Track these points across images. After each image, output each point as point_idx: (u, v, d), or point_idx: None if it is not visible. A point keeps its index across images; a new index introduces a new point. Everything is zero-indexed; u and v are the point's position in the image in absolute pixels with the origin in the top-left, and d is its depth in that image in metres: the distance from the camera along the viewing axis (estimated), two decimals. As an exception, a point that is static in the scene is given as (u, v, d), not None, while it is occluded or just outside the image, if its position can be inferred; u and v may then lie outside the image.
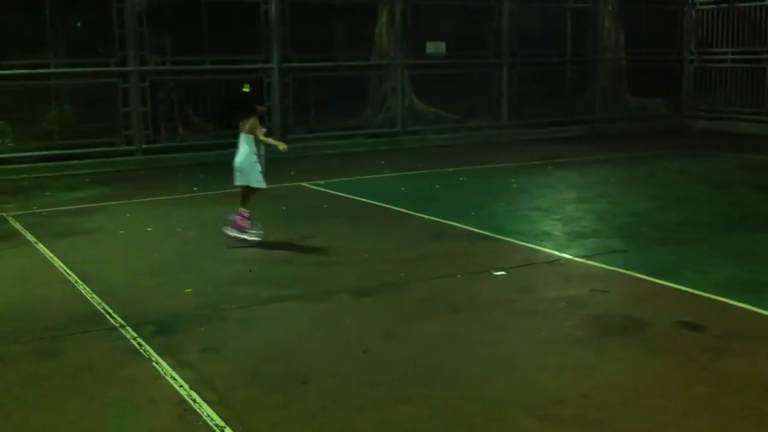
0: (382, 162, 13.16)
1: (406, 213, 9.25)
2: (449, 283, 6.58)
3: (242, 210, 7.79)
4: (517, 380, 4.70)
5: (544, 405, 4.34)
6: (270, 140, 7.99)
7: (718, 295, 6.08)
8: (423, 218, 8.96)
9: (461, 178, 11.74)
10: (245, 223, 7.78)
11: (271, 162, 12.82)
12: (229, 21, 13.91)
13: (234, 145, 7.79)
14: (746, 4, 17.00)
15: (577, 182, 11.34)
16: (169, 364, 4.89)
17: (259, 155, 7.70)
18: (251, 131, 7.65)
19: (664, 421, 4.14)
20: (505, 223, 8.68)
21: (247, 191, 7.81)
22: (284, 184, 10.90)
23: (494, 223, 8.56)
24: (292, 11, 14.28)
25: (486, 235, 8.11)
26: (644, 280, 6.58)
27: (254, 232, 7.80)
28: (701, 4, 18.00)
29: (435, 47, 16.15)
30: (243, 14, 14.12)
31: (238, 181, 7.75)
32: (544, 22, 16.77)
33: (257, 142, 7.70)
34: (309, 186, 11.03)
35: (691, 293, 6.19)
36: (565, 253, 7.38)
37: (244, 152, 7.64)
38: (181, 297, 6.29)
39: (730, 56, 17.25)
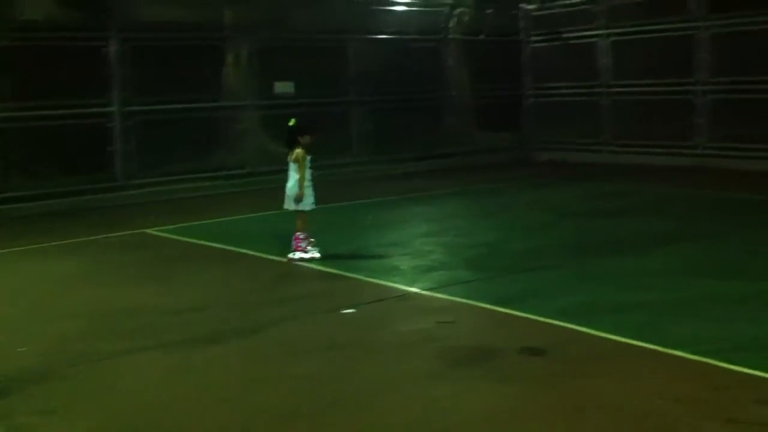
0: (234, 204, 12.94)
1: (256, 256, 9.10)
2: (301, 325, 6.48)
3: (298, 234, 8.67)
4: (370, 417, 4.64)
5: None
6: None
7: (563, 320, 6.26)
8: (273, 260, 8.83)
9: (316, 217, 11.64)
10: (304, 244, 8.64)
11: (117, 209, 12.51)
12: (69, 65, 13.36)
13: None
14: (577, 41, 17.97)
15: (428, 216, 11.53)
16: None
17: (309, 181, 8.65)
18: (296, 160, 8.51)
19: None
20: (355, 260, 8.68)
21: (300, 215, 8.65)
22: (129, 232, 10.52)
23: (345, 261, 8.55)
24: (134, 54, 13.89)
25: (336, 274, 8.09)
26: (491, 309, 6.71)
27: (312, 249, 8.66)
28: (535, 41, 18.88)
29: (283, 87, 16.12)
30: (83, 58, 13.59)
31: (286, 205, 8.73)
32: (392, 61, 17.09)
33: (308, 169, 8.60)
34: (155, 233, 10.65)
35: (537, 320, 6.36)
36: (414, 287, 7.45)
37: (293, 179, 8.59)
38: (15, 357, 5.87)
39: (564, 90, 18.14)
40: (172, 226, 10.92)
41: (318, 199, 8.84)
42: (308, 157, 8.68)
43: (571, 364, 5.39)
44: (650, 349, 5.60)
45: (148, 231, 10.72)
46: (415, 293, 7.28)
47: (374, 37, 16.93)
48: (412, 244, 9.46)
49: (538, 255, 8.75)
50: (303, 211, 8.72)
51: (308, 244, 8.72)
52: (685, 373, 5.23)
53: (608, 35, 17.36)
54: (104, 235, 10.40)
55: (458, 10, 18.20)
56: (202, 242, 9.94)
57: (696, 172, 15.07)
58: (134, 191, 13.65)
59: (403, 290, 7.39)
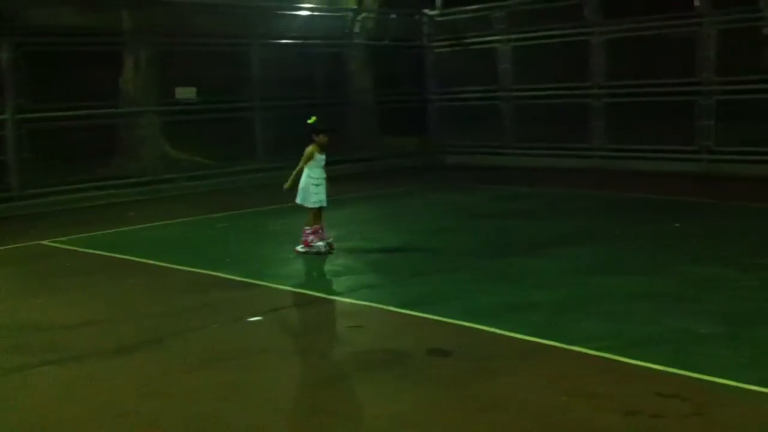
0: (133, 213, 12.59)
1: (158, 266, 8.85)
2: (206, 335, 6.34)
3: (305, 228, 8.97)
4: (284, 423, 4.58)
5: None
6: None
7: (469, 321, 6.32)
8: (177, 269, 8.62)
9: (217, 225, 11.50)
10: (310, 238, 8.87)
11: (7, 220, 12.00)
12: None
13: None
14: (478, 46, 18.27)
15: (334, 221, 11.42)
16: None
17: (315, 179, 8.90)
18: (307, 158, 8.83)
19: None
20: (261, 267, 8.55)
21: (313, 211, 8.97)
22: (23, 244, 10.13)
23: (250, 269, 8.41)
24: (28, 60, 13.36)
25: (242, 282, 7.95)
26: (398, 312, 6.72)
27: (320, 243, 8.86)
28: (438, 46, 19.10)
29: (185, 93, 15.83)
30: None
31: (297, 200, 9.06)
32: (296, 66, 16.99)
33: (317, 167, 8.89)
34: (50, 244, 10.25)
35: (444, 321, 6.40)
36: (321, 292, 7.40)
37: (305, 176, 8.92)
38: None
39: (468, 94, 18.41)
40: (70, 237, 10.52)
41: (327, 198, 9.09)
42: (321, 156, 8.97)
43: (478, 364, 5.44)
44: (553, 347, 5.71)
45: (45, 243, 10.31)
46: (323, 298, 7.23)
47: (277, 42, 16.80)
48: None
49: (444, 257, 8.83)
50: (310, 208, 8.98)
51: (316, 239, 8.90)
52: (588, 368, 5.34)
53: (508, 40, 17.71)
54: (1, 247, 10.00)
55: (362, 16, 18.25)
56: (103, 253, 9.62)
57: (595, 174, 15.53)
58: (30, 201, 13.13)
59: (311, 296, 7.33)
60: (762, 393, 4.81)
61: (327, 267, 8.46)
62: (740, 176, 14.23)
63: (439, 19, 19.06)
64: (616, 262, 8.33)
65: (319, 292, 7.42)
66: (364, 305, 6.96)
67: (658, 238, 9.56)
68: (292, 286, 7.70)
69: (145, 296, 7.63)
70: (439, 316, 6.51)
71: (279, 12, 17.02)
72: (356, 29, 18.10)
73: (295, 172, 9.00)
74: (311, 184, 8.94)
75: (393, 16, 18.80)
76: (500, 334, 6.04)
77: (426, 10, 19.12)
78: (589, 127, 16.56)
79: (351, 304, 7.04)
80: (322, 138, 9.01)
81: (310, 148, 8.97)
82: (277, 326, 6.50)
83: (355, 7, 18.27)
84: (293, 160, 16.39)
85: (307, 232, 9.00)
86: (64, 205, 13.23)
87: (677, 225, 10.18)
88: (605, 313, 6.48)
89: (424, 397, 4.93)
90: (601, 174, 15.49)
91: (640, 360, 5.35)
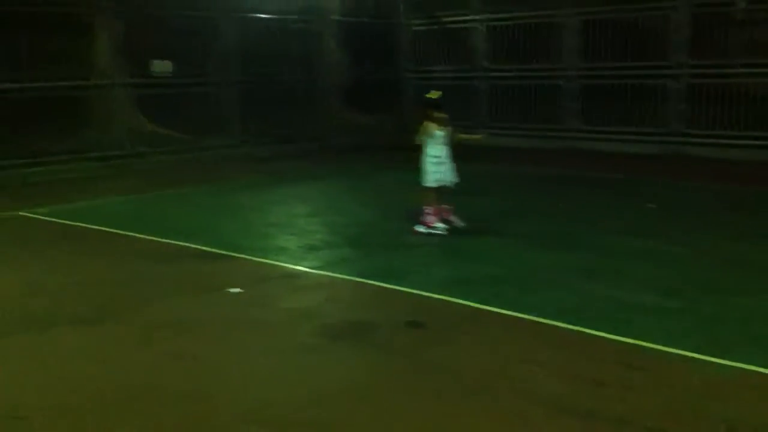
0: (109, 186, 12.60)
1: (135, 237, 8.92)
2: (183, 304, 6.46)
3: (424, 208, 8.67)
4: (242, 391, 4.75)
5: (261, 410, 4.44)
6: (467, 136, 9.01)
7: (437, 293, 6.52)
8: (153, 240, 8.71)
9: (193, 199, 11.57)
10: (429, 218, 8.63)
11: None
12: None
13: None
14: (455, 25, 18.38)
15: (309, 197, 11.61)
16: None
17: (434, 157, 8.52)
18: (422, 134, 8.52)
19: (388, 416, 4.37)
20: (240, 240, 8.65)
21: (433, 189, 8.62)
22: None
23: (229, 242, 8.51)
24: (-1, 27, 13.23)
25: (221, 254, 8.05)
26: (373, 284, 6.90)
27: (440, 225, 8.59)
28: (415, 25, 19.18)
29: (161, 66, 15.77)
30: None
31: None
32: (270, 41, 16.98)
33: (436, 144, 8.54)
34: (28, 215, 10.27)
35: (415, 293, 6.59)
36: (300, 265, 7.54)
37: (424, 154, 8.65)
38: None
39: (443, 74, 18.51)
40: (46, 208, 10.54)
41: (450, 178, 8.72)
42: (440, 132, 8.60)
43: (448, 335, 5.64)
44: (505, 315, 6.01)
45: (22, 213, 10.34)
46: (302, 272, 7.37)
47: (251, 15, 16.76)
48: (296, 224, 9.53)
49: (408, 233, 8.93)
50: (428, 186, 8.69)
51: (436, 219, 8.67)
52: (537, 336, 5.59)
53: (484, 20, 17.83)
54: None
55: (339, -9, 18.26)
56: (71, 223, 9.68)
57: (564, 154, 15.79)
58: (3, 172, 13.07)
59: (291, 269, 7.47)
60: (698, 359, 5.08)
61: (305, 241, 8.58)
62: (709, 158, 14.56)
63: (415, -4, 19.12)
64: (557, 237, 8.64)
65: (298, 265, 7.55)
66: (341, 278, 7.14)
67: (603, 213, 9.98)
68: (272, 259, 7.81)
69: (121, 267, 7.71)
70: (410, 288, 6.70)
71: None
72: (332, 5, 18.10)
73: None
74: (430, 162, 8.63)
75: (370, -8, 18.82)
76: (466, 305, 6.24)
77: (402, -12, 19.17)
78: (562, 108, 16.77)
79: (329, 276, 7.20)
80: (436, 114, 8.62)
81: (425, 124, 8.61)
82: (255, 298, 6.62)
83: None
84: (267, 136, 16.76)
85: (427, 212, 8.73)
86: (39, 177, 13.18)
87: (652, 206, 10.41)
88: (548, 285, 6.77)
89: (378, 364, 5.15)
90: (571, 154, 15.75)
91: (583, 327, 5.66)
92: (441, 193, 8.79)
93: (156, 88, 15.49)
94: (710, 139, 14.94)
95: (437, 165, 8.63)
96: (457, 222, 8.83)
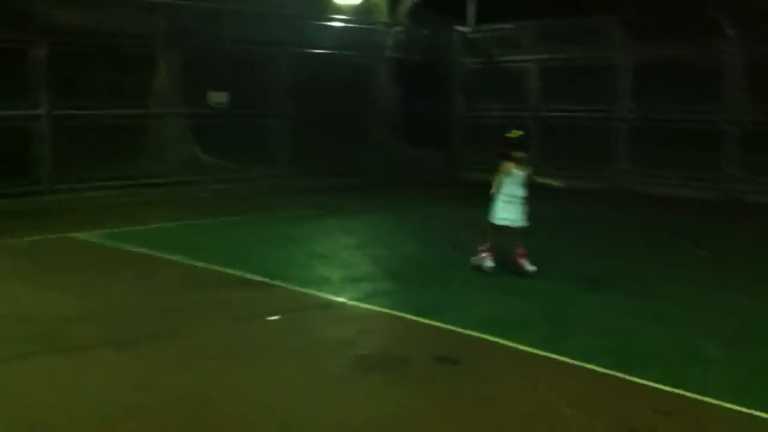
0: (157, 212, 12.81)
1: (181, 262, 9.06)
2: (220, 330, 6.52)
3: (481, 242, 8.65)
4: (277, 421, 4.73)
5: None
6: (546, 180, 8.67)
7: (476, 330, 6.45)
8: (199, 267, 8.83)
9: (240, 227, 11.72)
10: (482, 254, 8.59)
11: (35, 213, 12.28)
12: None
13: None
14: (507, 64, 18.43)
15: (354, 229, 11.66)
16: None
17: (508, 196, 8.44)
18: (500, 173, 8.47)
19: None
20: (281, 269, 8.71)
21: (494, 227, 8.57)
22: (51, 236, 10.41)
23: (270, 270, 8.57)
24: (61, 58, 13.66)
25: (262, 282, 8.12)
26: (409, 319, 6.88)
27: (489, 264, 8.54)
28: (469, 63, 19.27)
29: (217, 97, 16.12)
30: (8, 60, 13.36)
31: None
32: (324, 76, 17.23)
33: (512, 184, 8.46)
34: (79, 236, 10.51)
35: (452, 330, 6.54)
36: (339, 296, 7.56)
37: (496, 193, 8.52)
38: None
39: (495, 112, 18.54)
40: (98, 232, 10.78)
41: (518, 219, 8.51)
42: (519, 173, 8.45)
43: (480, 372, 5.59)
44: (544, 356, 5.89)
45: (69, 235, 10.58)
46: (341, 303, 7.39)
47: (308, 51, 17.03)
48: (339, 256, 9.58)
49: (455, 269, 8.89)
50: (491, 223, 8.60)
51: (488, 257, 8.57)
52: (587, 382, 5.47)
53: (537, 60, 17.84)
54: (26, 239, 10.28)
55: (394, 29, 18.48)
56: (124, 247, 9.86)
57: (616, 196, 15.63)
58: (59, 196, 13.43)
59: (330, 299, 7.49)
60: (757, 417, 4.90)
61: (346, 272, 8.61)
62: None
63: (470, 36, 19.23)
64: (618, 281, 8.48)
65: (338, 296, 7.57)
66: (379, 311, 7.11)
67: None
68: (312, 289, 7.83)
69: (163, 291, 7.83)
70: (449, 324, 6.64)
71: (312, 22, 17.26)
72: (388, 42, 18.32)
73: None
74: (502, 200, 8.49)
75: (425, 31, 18.97)
76: (504, 345, 6.17)
77: (458, 27, 19.30)
78: (613, 148, 16.62)
79: (367, 309, 7.17)
80: (516, 154, 8.49)
81: (504, 164, 8.49)
82: (293, 326, 6.67)
83: (388, 20, 18.49)
84: (318, 169, 16.92)
85: (481, 248, 8.66)
86: (92, 202, 13.49)
87: (702, 252, 10.24)
88: (605, 330, 6.62)
89: (420, 402, 5.08)
90: (620, 195, 15.58)
91: (639, 378, 5.47)
92: (503, 233, 8.58)
93: (210, 118, 15.81)
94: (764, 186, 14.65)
95: (508, 204, 8.49)
96: (527, 266, 8.50)
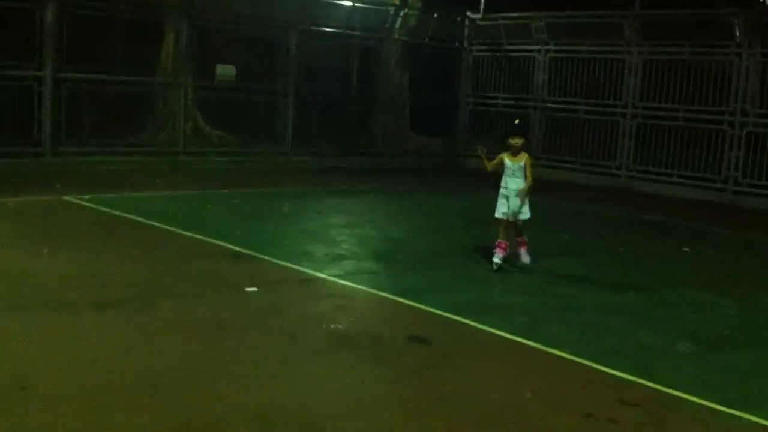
0: (158, 181, 12.87)
1: (170, 231, 9.13)
2: (198, 299, 6.58)
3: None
4: (245, 390, 4.80)
5: (266, 410, 4.47)
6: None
7: (452, 314, 6.50)
8: (187, 236, 8.89)
9: (234, 201, 11.77)
10: (495, 251, 8.19)
11: (36, 174, 12.36)
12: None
13: None
14: (516, 54, 18.37)
15: (348, 209, 11.72)
16: None
17: (505, 189, 8.12)
18: (495, 164, 8.24)
19: (382, 429, 4.39)
20: (268, 243, 8.78)
21: (497, 222, 8.22)
22: (45, 198, 10.48)
23: (257, 243, 8.63)
24: (70, 21, 13.70)
25: (247, 254, 8.19)
26: (389, 299, 6.93)
27: (495, 259, 8.13)
28: (477, 50, 19.23)
29: (225, 71, 16.12)
30: (16, 20, 13.40)
31: None
32: (332, 56, 17.23)
33: (505, 175, 8.17)
34: (73, 200, 10.60)
35: (429, 311, 6.59)
36: (320, 272, 7.61)
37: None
38: None
39: (500, 101, 18.51)
40: (92, 196, 10.84)
41: (512, 211, 8.09)
42: (510, 163, 8.14)
43: (450, 354, 5.63)
44: (526, 345, 5.91)
45: (67, 198, 10.65)
46: (321, 278, 7.45)
47: (316, 29, 17.01)
48: (327, 234, 9.63)
49: (441, 255, 8.99)
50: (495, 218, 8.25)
51: (499, 253, 8.14)
52: (555, 369, 5.52)
53: (546, 51, 17.79)
54: (22, 199, 10.35)
55: (404, 12, 18.42)
56: (119, 213, 9.93)
57: (615, 193, 15.61)
58: (60, 159, 13.49)
59: (310, 274, 7.55)
60: (723, 412, 4.93)
61: (331, 250, 8.67)
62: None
63: (480, 23, 19.16)
64: (602, 274, 8.54)
65: (319, 272, 7.62)
66: (359, 289, 7.17)
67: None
68: (294, 263, 7.89)
69: (150, 258, 7.91)
70: (426, 306, 6.69)
71: (322, 1, 17.24)
72: (397, 25, 18.28)
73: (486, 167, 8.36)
74: (500, 194, 8.19)
75: (435, 15, 18.90)
76: (480, 329, 6.22)
77: (469, 13, 19.23)
78: (617, 145, 16.58)
79: (347, 286, 7.24)
80: (512, 140, 8.16)
81: (500, 156, 8.24)
82: (269, 299, 6.72)
83: (398, 3, 18.44)
84: (321, 148, 16.93)
85: (497, 243, 8.23)
86: (92, 167, 13.55)
87: (686, 249, 10.27)
88: (574, 322, 6.66)
89: (385, 379, 5.14)
90: (621, 193, 15.57)
91: (607, 366, 5.52)
92: (509, 225, 8.23)
93: (217, 92, 15.83)
94: (764, 189, 14.60)
95: (501, 197, 8.17)
96: (523, 257, 8.29)
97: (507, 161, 8.19)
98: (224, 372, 5.04)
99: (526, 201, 8.16)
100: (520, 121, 8.90)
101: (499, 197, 8.21)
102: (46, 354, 5.15)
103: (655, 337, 6.36)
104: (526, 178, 8.11)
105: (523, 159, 8.16)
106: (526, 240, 8.39)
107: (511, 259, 8.32)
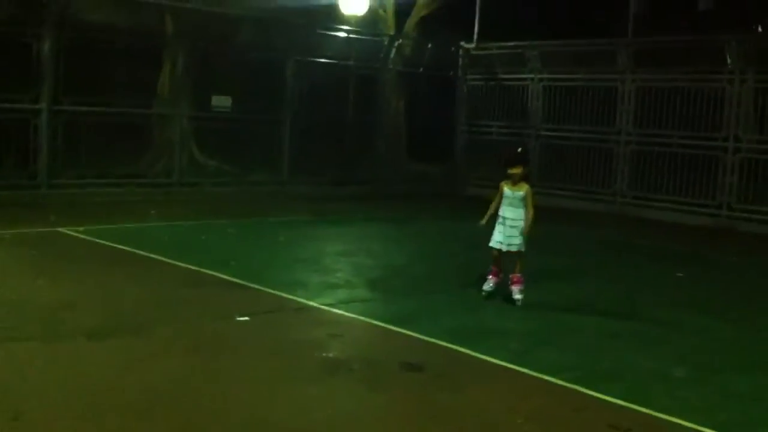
0: (153, 211, 12.90)
1: (164, 261, 9.12)
2: (192, 327, 6.57)
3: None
4: (239, 416, 4.77)
5: (255, 439, 4.47)
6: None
7: (445, 341, 6.48)
8: (180, 266, 8.88)
9: (230, 230, 11.77)
10: (490, 276, 8.13)
11: (32, 206, 12.38)
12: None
13: None
14: (511, 82, 18.48)
15: (344, 237, 11.74)
16: None
17: (502, 218, 7.95)
18: (499, 195, 8.00)
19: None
20: (262, 272, 8.77)
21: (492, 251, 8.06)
22: (40, 229, 10.49)
23: (251, 273, 8.62)
24: (67, 52, 13.79)
25: (240, 284, 8.17)
26: (381, 326, 6.92)
27: (484, 287, 8.10)
28: (472, 79, 19.35)
29: (220, 101, 16.21)
30: (12, 52, 13.49)
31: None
32: (329, 83, 17.33)
33: (503, 204, 7.98)
34: (67, 232, 10.59)
35: (422, 339, 6.57)
36: (313, 301, 7.60)
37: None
38: None
39: (495, 128, 18.60)
40: (87, 227, 10.83)
41: (504, 242, 7.92)
42: (509, 191, 7.93)
43: (443, 380, 5.62)
44: (519, 372, 5.89)
45: (62, 230, 10.65)
46: (314, 307, 7.44)
47: (313, 59, 17.12)
48: (322, 262, 9.64)
49: (436, 280, 9.03)
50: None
51: (490, 280, 8.10)
52: (547, 395, 5.50)
53: (540, 80, 17.90)
54: (17, 231, 10.37)
55: (399, 42, 18.57)
56: (113, 245, 9.91)
57: (610, 219, 15.62)
58: (56, 191, 13.52)
59: (303, 303, 7.54)
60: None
61: (325, 278, 8.67)
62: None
63: (474, 52, 19.31)
64: (592, 300, 8.53)
65: (312, 300, 7.61)
66: (352, 317, 7.16)
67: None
68: (287, 293, 7.87)
69: (144, 288, 7.86)
70: (419, 333, 6.67)
71: (318, 31, 17.37)
72: (392, 54, 18.41)
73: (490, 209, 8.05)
74: (497, 222, 7.99)
75: (429, 45, 19.06)
76: (473, 356, 6.20)
77: (463, 43, 19.39)
78: (612, 172, 16.63)
79: (339, 314, 7.23)
80: (511, 170, 7.94)
81: (501, 183, 8.02)
82: (262, 327, 6.71)
83: (393, 33, 18.60)
84: (318, 176, 16.99)
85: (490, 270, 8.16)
86: (88, 198, 13.57)
87: (680, 274, 10.28)
88: (568, 347, 6.66)
89: (378, 403, 5.13)
90: (617, 219, 15.59)
91: (600, 393, 5.50)
92: (502, 256, 8.05)
93: (213, 122, 15.89)
94: (757, 215, 14.62)
95: (498, 225, 7.95)
96: (515, 294, 7.92)
97: (506, 190, 7.96)
98: (218, 400, 5.01)
99: (521, 233, 7.92)
100: (521, 150, 8.77)
101: (496, 225, 8.06)
102: (39, 383, 5.13)
103: (649, 361, 6.35)
104: (526, 208, 7.94)
105: (523, 189, 7.94)
106: (521, 278, 8.00)
107: (504, 290, 8.15)
